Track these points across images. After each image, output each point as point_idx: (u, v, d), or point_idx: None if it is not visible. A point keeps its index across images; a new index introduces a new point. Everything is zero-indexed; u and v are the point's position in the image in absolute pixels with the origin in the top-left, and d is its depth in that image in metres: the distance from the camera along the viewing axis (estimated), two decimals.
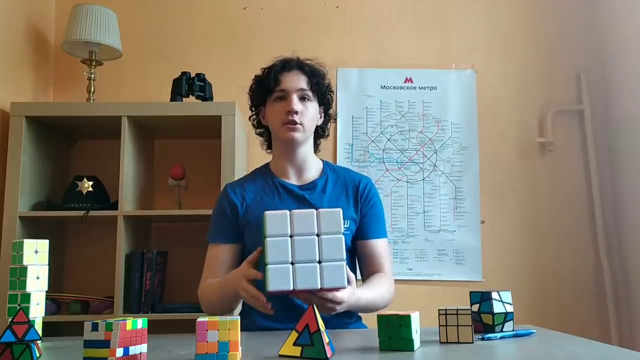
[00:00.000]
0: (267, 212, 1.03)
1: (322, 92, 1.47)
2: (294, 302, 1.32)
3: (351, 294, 1.14)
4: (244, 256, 1.51)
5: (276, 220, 1.02)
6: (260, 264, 1.07)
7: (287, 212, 1.03)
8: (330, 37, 2.43)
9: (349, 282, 1.11)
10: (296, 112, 1.38)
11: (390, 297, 1.38)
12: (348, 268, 1.09)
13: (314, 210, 1.04)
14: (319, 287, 1.01)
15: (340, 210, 1.05)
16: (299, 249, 1.01)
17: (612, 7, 2.37)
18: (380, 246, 1.43)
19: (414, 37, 2.45)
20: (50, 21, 2.37)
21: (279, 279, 1.00)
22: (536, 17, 2.47)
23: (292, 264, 1.01)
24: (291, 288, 1.00)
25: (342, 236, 1.03)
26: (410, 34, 2.45)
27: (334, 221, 1.03)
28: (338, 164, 2.31)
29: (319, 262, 1.01)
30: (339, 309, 1.12)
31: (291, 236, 1.02)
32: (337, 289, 1.05)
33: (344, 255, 1.02)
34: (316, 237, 1.02)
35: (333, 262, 1.02)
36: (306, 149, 1.46)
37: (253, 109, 1.52)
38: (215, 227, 1.45)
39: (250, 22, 2.43)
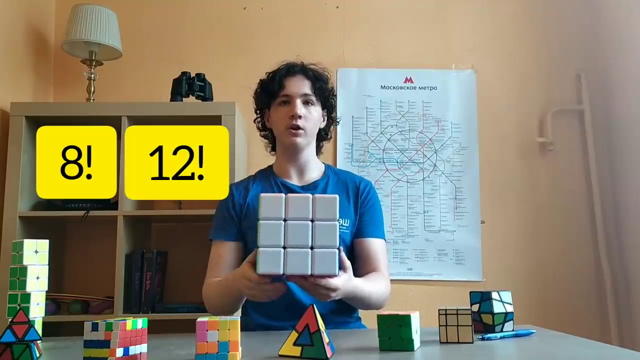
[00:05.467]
0: (262, 195, 1.02)
1: (325, 96, 1.49)
2: (293, 300, 1.32)
3: (346, 280, 1.12)
4: (246, 255, 1.51)
5: (271, 203, 1.01)
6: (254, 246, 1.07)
7: (283, 195, 1.02)
8: (330, 37, 2.43)
9: (345, 269, 1.10)
10: (300, 117, 1.41)
11: (387, 295, 1.37)
12: (344, 255, 1.07)
13: (310, 195, 1.02)
14: (309, 273, 1.00)
15: (337, 197, 1.02)
16: (292, 233, 1.00)
17: (612, 7, 2.37)
18: (376, 245, 1.43)
19: (414, 37, 2.44)
20: (50, 21, 2.37)
21: (269, 262, 0.99)
22: (536, 17, 2.47)
23: (284, 248, 1.00)
24: (281, 272, 1.00)
25: (337, 223, 1.01)
26: (410, 34, 2.45)
27: (330, 208, 1.01)
28: (338, 163, 2.32)
29: (311, 247, 1.00)
30: (334, 295, 1.10)
31: (285, 220, 1.01)
32: (328, 277, 1.04)
33: (337, 243, 1.00)
34: (310, 223, 1.01)
35: (325, 248, 1.00)
36: (309, 152, 1.49)
37: (258, 112, 1.55)
38: (218, 224, 1.45)
39: (250, 22, 2.43)
